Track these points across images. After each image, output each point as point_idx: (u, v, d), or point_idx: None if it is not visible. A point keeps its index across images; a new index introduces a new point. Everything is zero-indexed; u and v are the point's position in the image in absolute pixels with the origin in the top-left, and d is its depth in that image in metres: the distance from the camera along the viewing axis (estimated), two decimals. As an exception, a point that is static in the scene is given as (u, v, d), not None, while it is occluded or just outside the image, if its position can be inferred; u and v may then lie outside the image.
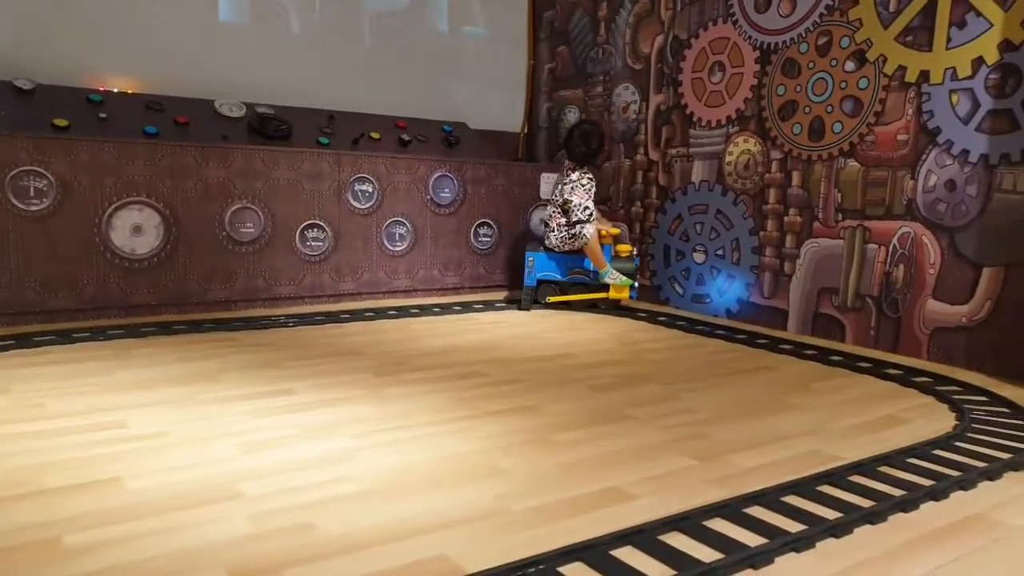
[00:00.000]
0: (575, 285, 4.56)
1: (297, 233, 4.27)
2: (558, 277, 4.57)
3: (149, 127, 4.02)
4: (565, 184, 4.50)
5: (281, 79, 4.76)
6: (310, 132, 4.58)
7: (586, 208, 4.42)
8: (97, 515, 1.65)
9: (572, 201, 4.43)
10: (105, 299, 3.75)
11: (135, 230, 3.78)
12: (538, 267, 4.61)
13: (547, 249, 4.57)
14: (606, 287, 4.47)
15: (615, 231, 4.55)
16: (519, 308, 4.54)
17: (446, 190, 4.81)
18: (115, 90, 4.25)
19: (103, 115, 4.00)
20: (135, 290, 3.83)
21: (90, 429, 2.19)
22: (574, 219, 4.43)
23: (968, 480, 1.96)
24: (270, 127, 4.40)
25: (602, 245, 4.43)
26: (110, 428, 2.20)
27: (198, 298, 4.01)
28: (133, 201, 3.76)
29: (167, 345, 3.29)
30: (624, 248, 4.50)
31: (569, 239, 4.46)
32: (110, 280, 3.75)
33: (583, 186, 4.47)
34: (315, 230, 4.33)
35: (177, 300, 3.95)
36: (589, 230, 4.39)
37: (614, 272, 4.41)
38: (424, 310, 4.28)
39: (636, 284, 4.47)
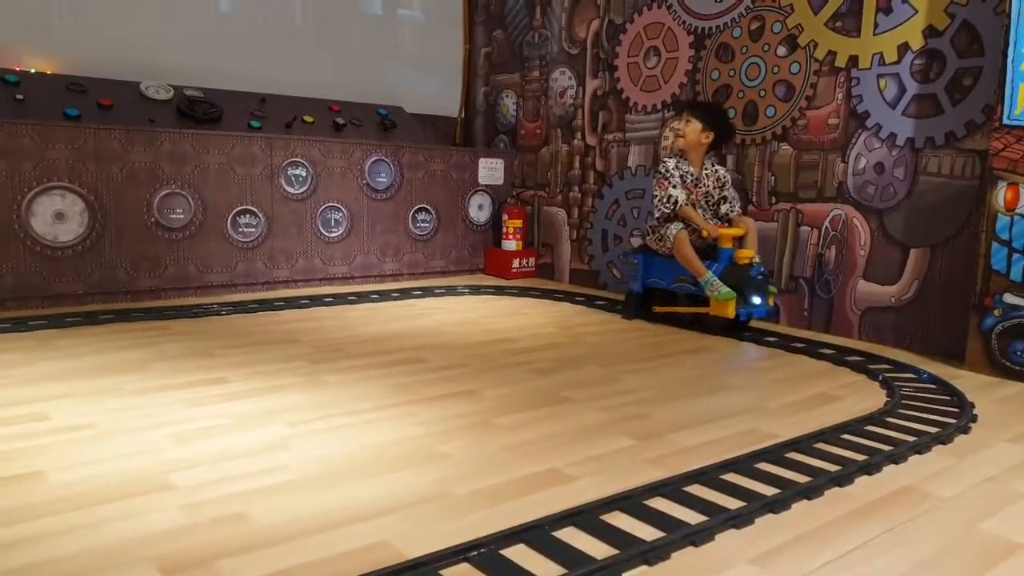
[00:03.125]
0: (685, 295, 3.71)
1: (229, 219, 4.15)
2: (664, 284, 3.81)
3: (70, 109, 3.85)
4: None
5: (210, 61, 4.60)
6: (241, 115, 4.45)
7: (669, 198, 3.67)
8: (18, 511, 1.57)
9: (656, 196, 3.75)
10: (26, 288, 3.59)
11: (57, 217, 3.62)
12: (644, 271, 3.88)
13: (653, 250, 3.85)
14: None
15: (737, 231, 3.62)
16: (622, 316, 3.96)
17: (382, 175, 4.73)
18: (33, 71, 4.05)
19: (20, 97, 3.81)
20: (59, 279, 3.67)
21: (9, 422, 2.09)
22: (656, 215, 3.76)
23: (899, 454, 2.02)
24: (199, 110, 4.26)
25: (719, 249, 3.57)
26: (31, 420, 2.10)
27: (126, 287, 3.87)
28: (55, 186, 3.60)
29: (93, 335, 3.16)
30: (744, 254, 3.51)
31: (658, 240, 3.75)
32: (31, 269, 3.59)
33: (661, 173, 3.74)
34: (247, 216, 4.22)
35: (104, 289, 3.80)
36: (674, 229, 3.62)
37: (714, 282, 3.46)
38: (362, 297, 4.21)
39: (760, 300, 3.45)
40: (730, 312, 3.42)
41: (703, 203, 3.76)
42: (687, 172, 3.74)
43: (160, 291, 3.98)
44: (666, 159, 3.79)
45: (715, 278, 3.47)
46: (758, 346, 3.40)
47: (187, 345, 3.04)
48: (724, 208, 3.77)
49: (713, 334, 3.57)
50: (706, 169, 3.78)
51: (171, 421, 2.14)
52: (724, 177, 3.81)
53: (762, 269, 3.49)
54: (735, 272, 3.48)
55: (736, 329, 3.58)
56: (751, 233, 3.64)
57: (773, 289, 3.56)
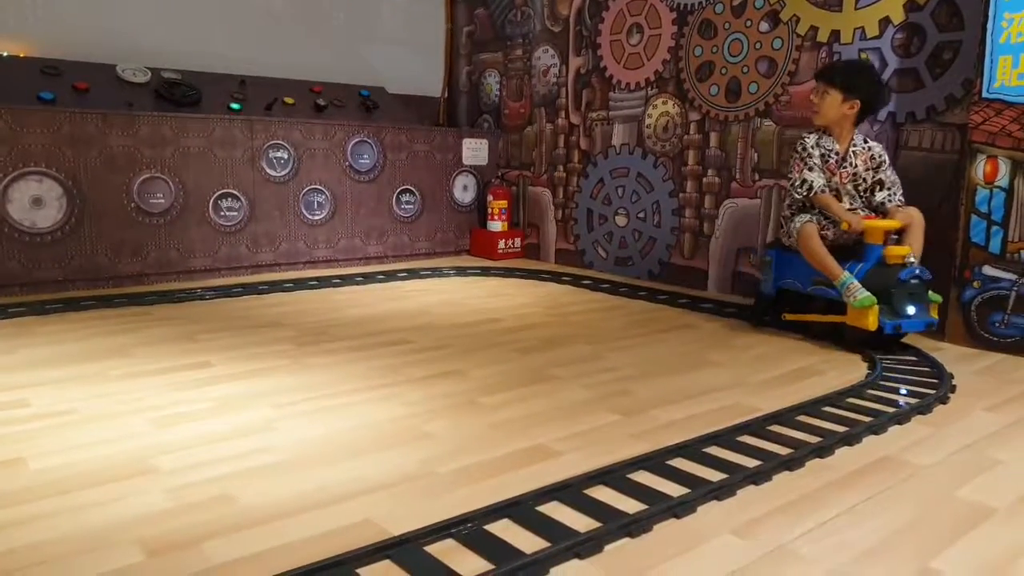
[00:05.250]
0: (825, 301, 3.02)
1: (210, 203, 4.12)
2: (799, 287, 3.14)
3: (45, 93, 3.79)
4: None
5: (188, 43, 4.55)
6: (220, 98, 4.41)
7: (803, 183, 3.04)
8: (-2, 497, 1.57)
9: (790, 179, 3.15)
10: (5, 276, 3.55)
11: (35, 202, 3.58)
12: (778, 270, 3.23)
13: (790, 247, 3.17)
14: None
15: (891, 224, 2.92)
16: (751, 323, 3.37)
17: (365, 156, 4.70)
18: (5, 54, 3.99)
19: (-7, 80, 3.76)
20: (38, 266, 3.63)
21: (-10, 410, 2.08)
22: (787, 203, 3.18)
23: (879, 425, 2.04)
24: (178, 93, 4.21)
25: (866, 245, 2.91)
26: (10, 408, 2.09)
27: (108, 272, 3.83)
28: (31, 172, 3.56)
29: (75, 321, 3.14)
30: (896, 251, 2.82)
31: (787, 234, 3.14)
32: (10, 256, 3.55)
33: (798, 152, 3.12)
34: (229, 199, 4.19)
35: (85, 275, 3.77)
36: (799, 221, 3.05)
37: (851, 285, 2.83)
38: (346, 280, 4.20)
39: (915, 310, 2.79)
40: (870, 323, 2.77)
41: (850, 188, 3.09)
42: (831, 151, 3.07)
43: (142, 276, 3.95)
44: (806, 134, 3.14)
45: (853, 280, 2.84)
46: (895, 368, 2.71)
47: (170, 330, 3.03)
48: (880, 195, 3.07)
49: (851, 350, 2.92)
50: (855, 146, 3.09)
51: (154, 406, 2.14)
52: (880, 156, 3.09)
53: (916, 271, 2.79)
54: (882, 274, 2.83)
55: (878, 344, 2.86)
56: (914, 227, 2.93)
57: (936, 297, 2.86)
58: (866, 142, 3.12)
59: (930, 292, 2.84)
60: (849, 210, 3.03)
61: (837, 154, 3.08)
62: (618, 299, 3.93)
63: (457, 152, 5.19)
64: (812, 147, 3.08)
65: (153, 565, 1.33)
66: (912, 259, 2.81)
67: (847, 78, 3.03)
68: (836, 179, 3.08)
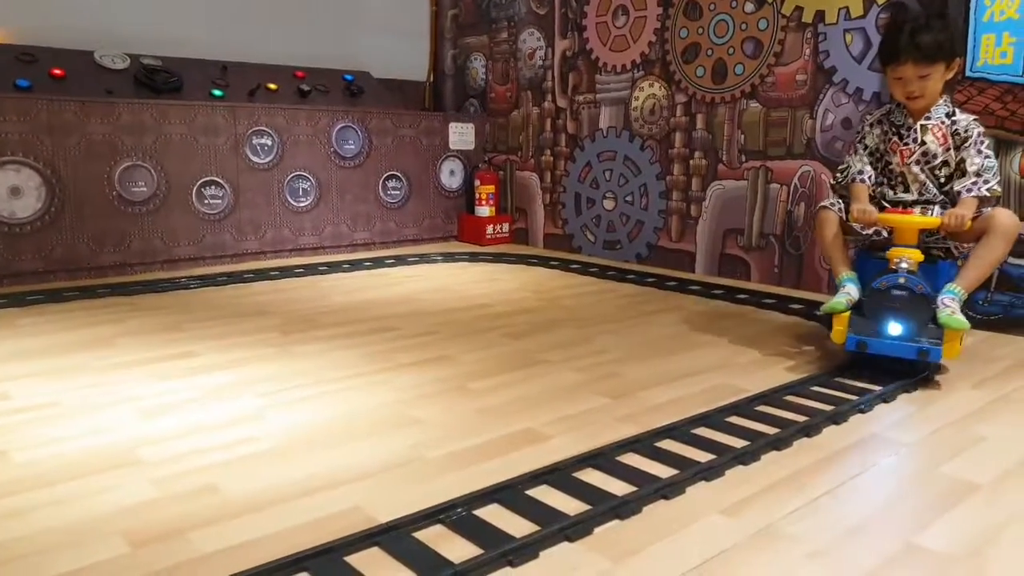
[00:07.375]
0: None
1: (194, 191, 4.08)
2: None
3: (21, 80, 3.73)
4: None
5: (168, 28, 4.48)
6: (202, 84, 4.35)
7: (843, 169, 2.59)
8: (-20, 491, 1.55)
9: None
10: (-15, 267, 3.51)
11: (13, 192, 3.53)
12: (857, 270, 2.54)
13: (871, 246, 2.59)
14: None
15: (926, 221, 2.29)
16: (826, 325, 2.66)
17: (350, 142, 4.67)
18: (-19, 41, 3.93)
19: (-31, 69, 3.69)
20: (18, 257, 3.59)
21: (-29, 403, 2.05)
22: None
23: (866, 403, 2.05)
24: (158, 79, 4.15)
25: (886, 245, 2.39)
26: (-7, 400, 2.07)
27: (90, 263, 3.79)
28: (8, 161, 3.51)
29: (57, 313, 3.10)
30: (895, 253, 2.27)
31: None
32: (-10, 247, 3.51)
33: (857, 133, 2.65)
34: (213, 187, 4.14)
35: (67, 265, 3.73)
36: (817, 206, 2.65)
37: (842, 288, 2.39)
38: (333, 267, 4.17)
39: (902, 329, 2.22)
40: (833, 334, 2.35)
41: (917, 171, 2.45)
42: (900, 126, 2.46)
43: (126, 266, 3.92)
44: (873, 110, 2.71)
45: (847, 283, 2.39)
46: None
47: (155, 320, 3.00)
48: (960, 184, 2.37)
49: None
50: (930, 119, 2.42)
51: (138, 396, 2.12)
52: (966, 130, 2.39)
53: (899, 278, 2.21)
54: (878, 281, 2.27)
55: (861, 362, 2.35)
56: (990, 235, 2.27)
57: (956, 322, 2.17)
58: (952, 114, 2.43)
59: (948, 315, 2.18)
60: (916, 202, 2.45)
61: (907, 129, 2.46)
62: (607, 283, 3.93)
63: (443, 137, 5.16)
64: (871, 125, 2.56)
65: (138, 556, 1.32)
66: (904, 263, 2.23)
67: (948, 41, 2.34)
68: (896, 158, 2.48)
